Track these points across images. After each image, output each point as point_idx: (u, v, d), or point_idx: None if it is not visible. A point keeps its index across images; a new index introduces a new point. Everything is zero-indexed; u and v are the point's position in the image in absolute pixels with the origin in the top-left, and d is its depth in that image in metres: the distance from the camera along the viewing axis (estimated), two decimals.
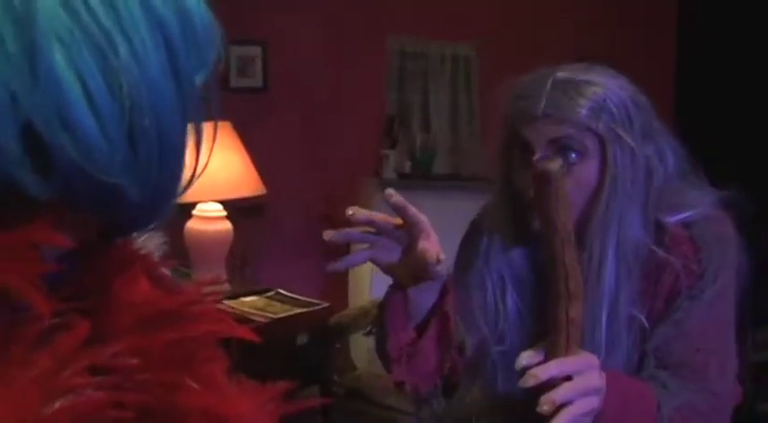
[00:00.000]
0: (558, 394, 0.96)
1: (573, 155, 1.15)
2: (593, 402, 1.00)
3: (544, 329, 1.06)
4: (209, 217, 2.76)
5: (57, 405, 0.40)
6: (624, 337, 1.16)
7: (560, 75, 1.16)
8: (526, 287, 1.27)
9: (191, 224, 2.76)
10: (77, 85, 0.41)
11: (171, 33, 0.45)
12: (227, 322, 0.51)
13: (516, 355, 1.03)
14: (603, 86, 1.15)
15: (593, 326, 1.16)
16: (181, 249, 2.69)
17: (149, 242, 0.53)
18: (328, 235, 1.07)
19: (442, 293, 1.14)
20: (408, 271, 1.11)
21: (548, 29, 4.08)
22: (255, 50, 3.51)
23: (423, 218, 1.07)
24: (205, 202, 2.74)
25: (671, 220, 1.18)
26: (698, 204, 1.19)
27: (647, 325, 1.16)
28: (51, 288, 0.42)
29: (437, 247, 1.08)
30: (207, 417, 0.47)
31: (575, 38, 4.17)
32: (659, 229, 1.18)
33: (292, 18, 3.54)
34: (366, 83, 3.77)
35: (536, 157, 1.15)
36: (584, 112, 1.13)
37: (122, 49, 0.43)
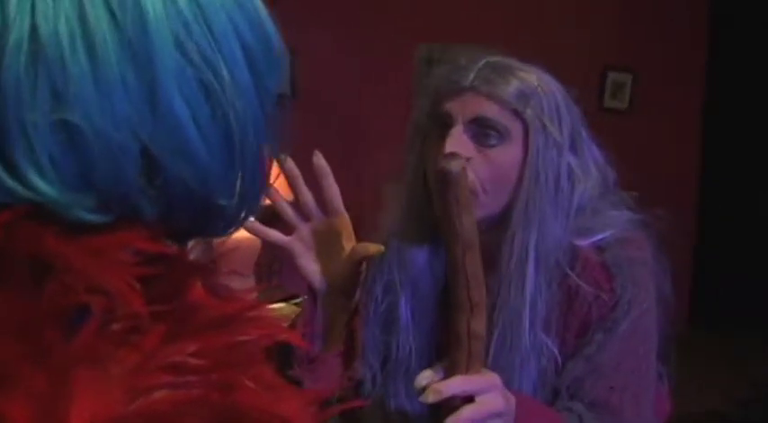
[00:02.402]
0: (462, 417, 0.90)
1: (493, 137, 1.09)
2: None
3: (443, 341, 1.00)
4: (253, 221, 2.77)
5: (140, 401, 0.42)
6: (539, 358, 1.09)
7: (496, 57, 1.12)
8: (424, 293, 1.18)
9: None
10: (190, 116, 0.45)
11: (255, 57, 0.49)
12: (279, 327, 0.53)
13: (408, 369, 0.97)
14: (538, 78, 1.11)
15: (513, 336, 1.09)
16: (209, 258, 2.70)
17: (195, 250, 0.55)
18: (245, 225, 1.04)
19: (355, 310, 1.06)
20: (326, 270, 1.04)
21: (574, 37, 4.06)
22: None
23: (337, 196, 1.01)
24: None
25: (584, 243, 1.11)
26: (613, 226, 1.13)
27: (558, 358, 1.09)
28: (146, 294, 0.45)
29: (350, 233, 1.02)
30: (264, 415, 0.49)
31: (599, 46, 4.15)
32: (572, 253, 1.11)
33: (320, 27, 3.56)
34: (394, 91, 3.78)
35: (453, 129, 1.08)
36: (512, 91, 1.08)
37: (226, 78, 0.46)
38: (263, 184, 0.53)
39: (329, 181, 1.00)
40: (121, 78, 0.44)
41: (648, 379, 1.10)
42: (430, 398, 0.89)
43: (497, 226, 1.10)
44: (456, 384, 0.91)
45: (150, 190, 0.46)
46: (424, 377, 0.92)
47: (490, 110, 1.08)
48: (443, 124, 1.10)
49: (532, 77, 1.10)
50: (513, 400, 0.96)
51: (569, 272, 1.09)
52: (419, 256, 1.17)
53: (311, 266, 1.03)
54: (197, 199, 0.47)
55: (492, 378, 0.93)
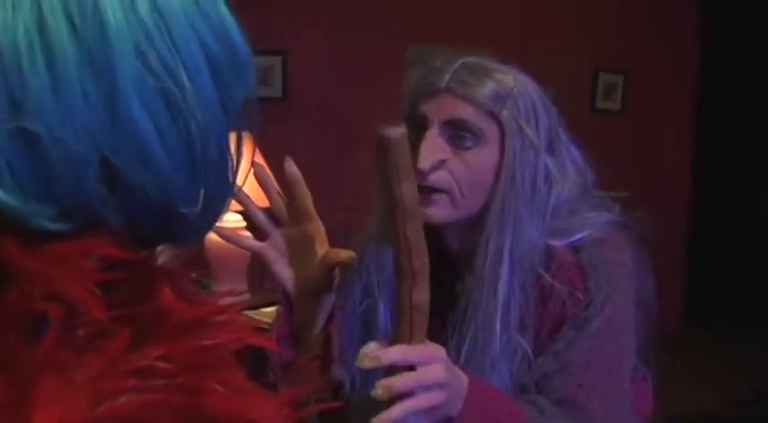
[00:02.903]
0: (399, 381, 0.87)
1: (468, 139, 1.08)
2: (437, 398, 0.90)
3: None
4: (229, 228, 2.77)
5: (105, 406, 0.42)
6: (512, 357, 1.07)
7: (472, 58, 1.11)
8: None
9: (211, 235, 2.76)
10: (151, 125, 0.45)
11: (220, 66, 0.49)
12: (247, 330, 0.53)
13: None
14: (514, 79, 1.10)
15: (484, 334, 1.08)
16: (202, 260, 2.70)
17: (164, 254, 0.55)
18: (219, 232, 1.01)
19: (330, 315, 1.05)
20: (299, 276, 1.02)
21: (565, 38, 4.07)
22: (275, 60, 3.53)
23: (310, 202, 1.00)
24: (230, 211, 2.75)
25: (559, 243, 1.10)
26: (590, 226, 1.11)
27: (531, 356, 1.08)
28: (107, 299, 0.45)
29: (323, 238, 1.00)
30: (233, 418, 0.49)
31: (590, 47, 4.16)
32: (547, 253, 1.10)
33: (312, 27, 3.56)
34: (387, 92, 3.78)
35: (428, 132, 1.07)
36: (487, 93, 1.07)
37: (187, 88, 0.46)
38: (230, 192, 0.53)
39: (301, 187, 0.99)
40: (81, 87, 0.43)
41: (620, 378, 1.09)
42: (365, 363, 0.87)
43: (473, 228, 1.10)
44: (395, 352, 0.88)
45: (111, 199, 0.46)
46: (368, 348, 0.89)
47: (465, 112, 1.08)
48: (419, 126, 1.10)
49: (508, 78, 1.09)
50: (463, 378, 0.94)
51: (543, 273, 1.08)
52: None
53: (284, 272, 1.03)
54: (159, 208, 0.47)
55: (434, 349, 0.91)
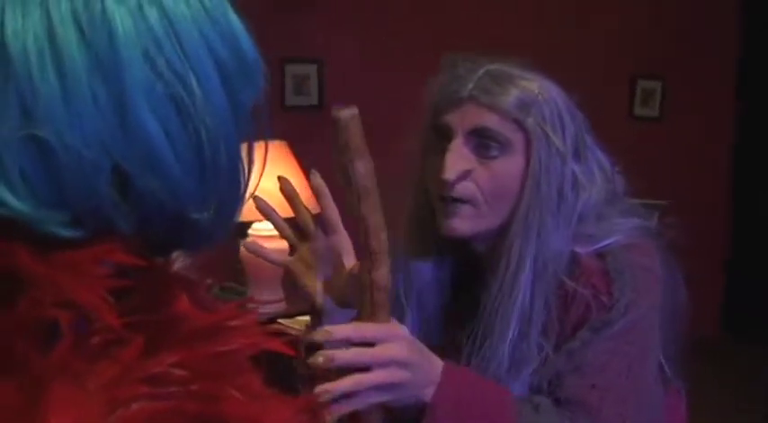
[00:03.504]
0: (345, 353, 0.85)
1: (494, 148, 1.07)
2: (396, 376, 0.88)
3: (448, 351, 0.98)
4: (264, 236, 2.78)
5: (118, 413, 0.42)
6: (532, 364, 1.05)
7: (495, 66, 1.10)
8: (430, 305, 1.17)
9: (246, 244, 2.78)
10: (161, 131, 0.46)
11: (229, 72, 0.49)
12: (262, 336, 0.53)
13: None
14: (538, 85, 1.09)
15: (498, 341, 1.06)
16: (237, 268, 2.71)
17: (179, 260, 0.56)
18: (246, 246, 1.05)
19: None
20: (329, 289, 1.02)
21: (602, 45, 4.04)
22: (311, 68, 3.54)
23: (335, 214, 0.99)
24: (261, 221, 2.76)
25: (585, 250, 1.08)
26: (618, 232, 1.09)
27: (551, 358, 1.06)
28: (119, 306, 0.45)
29: (350, 250, 0.99)
30: None
31: (627, 53, 4.12)
32: (572, 260, 1.08)
33: (347, 36, 3.57)
34: (421, 101, 3.77)
35: (453, 142, 1.06)
36: (512, 101, 1.06)
37: (197, 93, 0.47)
38: (242, 198, 0.54)
39: (327, 200, 0.99)
40: (91, 94, 0.44)
41: (640, 383, 1.06)
42: (317, 336, 0.85)
43: (499, 235, 1.09)
44: (349, 329, 0.87)
45: (123, 205, 0.46)
46: (331, 326, 0.88)
47: (490, 120, 1.07)
48: (443, 137, 1.09)
49: (533, 85, 1.08)
50: (436, 363, 0.93)
51: (566, 280, 1.07)
52: (424, 269, 1.16)
53: (312, 286, 1.03)
54: (169, 213, 0.48)
55: (393, 327, 0.90)
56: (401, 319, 1.15)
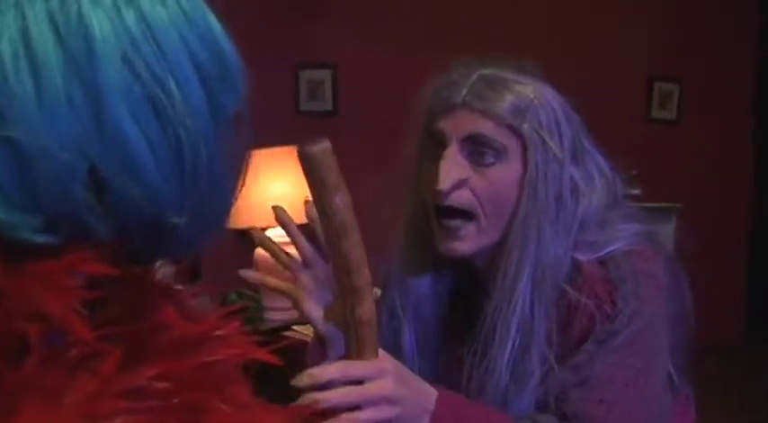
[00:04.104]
0: (332, 395, 0.83)
1: (489, 155, 1.04)
2: (386, 412, 0.86)
3: (447, 365, 0.96)
4: (277, 243, 2.78)
5: None
6: (536, 377, 1.03)
7: (489, 70, 1.07)
8: (427, 319, 1.14)
9: (260, 250, 2.77)
10: (139, 133, 0.45)
11: (208, 74, 0.48)
12: (248, 346, 0.52)
13: None
14: (534, 89, 1.06)
15: (498, 353, 1.04)
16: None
17: (162, 268, 0.55)
18: (245, 274, 1.04)
19: None
20: (331, 316, 1.00)
21: (618, 46, 4.01)
22: (325, 74, 3.55)
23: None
24: (274, 228, 2.76)
25: (587, 258, 1.05)
26: (620, 239, 1.06)
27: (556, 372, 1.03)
28: (94, 318, 0.44)
29: None
30: None
31: (644, 55, 4.09)
32: (573, 268, 1.05)
33: (361, 41, 3.57)
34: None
35: (447, 150, 1.03)
36: (507, 106, 1.03)
37: (176, 95, 0.46)
38: (225, 204, 0.53)
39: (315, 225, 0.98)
40: (67, 97, 0.43)
41: (648, 394, 1.03)
42: (303, 381, 0.84)
43: (495, 248, 1.06)
44: (335, 369, 0.85)
45: (99, 209, 0.45)
46: (313, 368, 0.86)
47: (485, 127, 1.04)
48: (438, 143, 1.07)
49: (528, 89, 1.05)
50: (429, 392, 0.91)
51: (568, 288, 1.04)
52: (421, 282, 1.14)
53: (314, 313, 1.01)
54: (147, 217, 0.47)
55: (380, 363, 0.87)
56: (399, 333, 1.13)
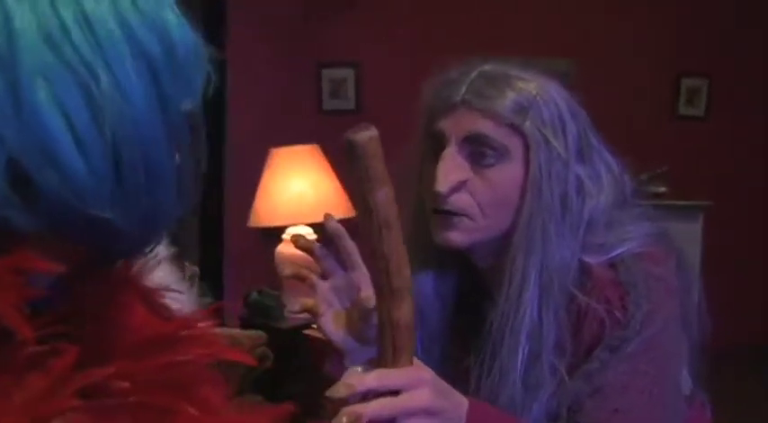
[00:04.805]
0: (369, 408, 0.79)
1: (490, 156, 1.00)
2: None
3: (452, 368, 0.92)
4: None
5: None
6: (548, 385, 0.99)
7: (490, 66, 1.03)
8: (432, 321, 1.11)
9: (281, 248, 2.77)
10: (62, 120, 0.43)
11: (156, 64, 0.46)
12: (219, 346, 0.51)
13: None
14: (537, 85, 1.01)
15: (508, 363, 1.00)
16: (272, 273, 2.71)
17: (157, 249, 0.53)
18: (286, 271, 1.02)
19: None
20: (349, 327, 0.98)
21: (646, 42, 3.97)
22: (347, 73, 3.54)
23: (355, 251, 0.96)
24: (295, 225, 2.76)
25: (596, 260, 1.01)
26: (630, 240, 1.02)
27: (567, 381, 0.99)
28: (40, 313, 0.43)
29: (369, 286, 0.93)
30: None
31: (671, 51, 4.04)
32: (582, 271, 1.01)
33: (385, 41, 3.55)
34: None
35: (446, 151, 1.00)
36: (508, 104, 0.99)
37: (105, 80, 0.44)
38: (169, 200, 0.50)
39: (345, 241, 0.96)
40: None
41: (662, 402, 0.99)
42: (340, 392, 0.80)
43: (501, 247, 1.03)
44: (372, 379, 0.81)
45: (20, 201, 0.43)
46: (347, 374, 0.82)
47: (485, 126, 1.00)
48: (437, 144, 1.03)
49: (531, 86, 1.01)
50: (461, 402, 0.88)
51: (577, 293, 1.00)
52: (425, 284, 1.11)
53: (330, 326, 0.98)
54: (73, 211, 0.44)
55: (418, 371, 0.84)
56: None
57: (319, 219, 1.03)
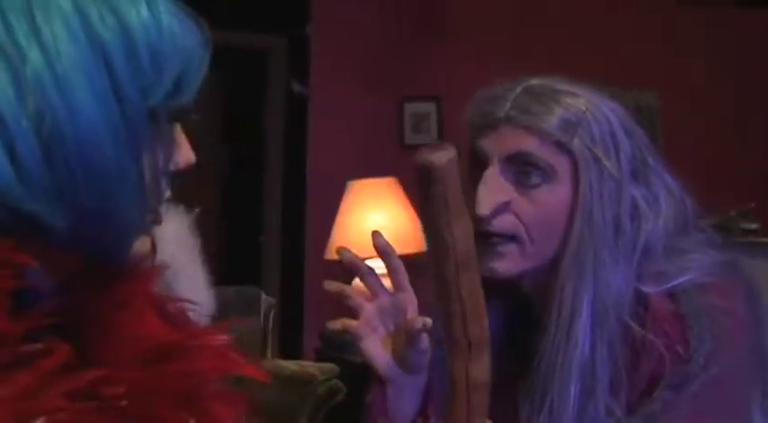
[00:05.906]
0: None
1: (535, 176, 0.94)
2: None
3: (503, 415, 0.86)
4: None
5: None
6: None
7: (537, 81, 0.97)
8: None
9: (357, 282, 2.77)
10: None
11: (112, 55, 0.44)
12: (232, 359, 0.48)
13: None
14: (587, 100, 0.95)
15: (560, 402, 0.93)
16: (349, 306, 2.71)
17: (177, 218, 0.51)
18: (330, 286, 0.96)
19: (427, 390, 0.94)
20: (394, 354, 0.92)
21: (729, 79, 3.89)
22: (429, 106, 3.55)
23: (403, 272, 0.92)
24: (372, 258, 2.76)
25: (654, 290, 0.93)
26: (693, 269, 0.94)
27: None
28: (27, 312, 0.42)
29: (415, 309, 0.89)
30: None
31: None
32: (639, 302, 0.93)
33: (466, 72, 3.55)
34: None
35: (487, 171, 0.94)
36: (554, 121, 0.93)
37: (35, 66, 0.42)
38: (116, 196, 0.47)
39: (394, 260, 0.92)
40: None
41: None
42: None
43: (549, 274, 0.96)
44: None
45: None
46: None
47: (529, 144, 0.93)
48: (479, 164, 0.96)
49: (580, 101, 0.95)
50: None
51: (633, 325, 0.92)
52: None
53: (373, 350, 0.92)
54: (4, 201, 0.42)
55: None
56: (442, 363, 1.07)
57: (397, 252, 1.00)
